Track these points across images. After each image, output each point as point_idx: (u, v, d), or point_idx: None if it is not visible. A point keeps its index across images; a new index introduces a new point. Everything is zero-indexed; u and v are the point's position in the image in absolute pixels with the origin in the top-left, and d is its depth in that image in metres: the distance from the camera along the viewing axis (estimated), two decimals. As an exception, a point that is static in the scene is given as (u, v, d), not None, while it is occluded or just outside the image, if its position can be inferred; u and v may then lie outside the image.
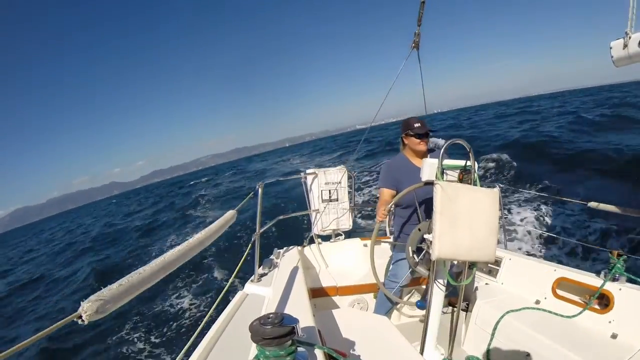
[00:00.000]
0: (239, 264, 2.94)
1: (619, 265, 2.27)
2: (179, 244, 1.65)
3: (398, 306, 3.49)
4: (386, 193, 2.97)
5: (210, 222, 2.16)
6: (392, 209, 2.97)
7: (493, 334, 2.47)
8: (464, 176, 2.37)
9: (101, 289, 1.11)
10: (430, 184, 2.26)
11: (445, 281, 2.46)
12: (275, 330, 1.18)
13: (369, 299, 3.57)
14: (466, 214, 2.09)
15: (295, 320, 1.25)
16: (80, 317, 0.99)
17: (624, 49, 2.00)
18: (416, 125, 2.89)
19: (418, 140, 2.90)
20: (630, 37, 1.98)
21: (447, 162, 2.38)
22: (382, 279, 3.18)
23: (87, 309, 0.99)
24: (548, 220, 7.11)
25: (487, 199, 2.15)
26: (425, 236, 2.42)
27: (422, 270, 2.55)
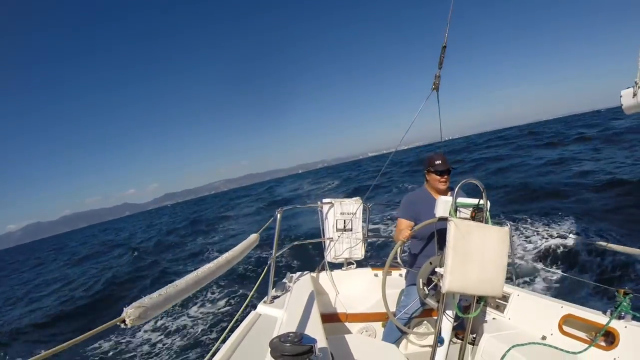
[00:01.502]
0: (256, 286, 3.06)
1: (625, 304, 2.31)
2: (208, 262, 1.80)
3: (407, 336, 3.52)
4: (404, 223, 3.06)
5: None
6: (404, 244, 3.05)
7: None
8: (477, 214, 2.50)
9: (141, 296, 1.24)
10: (444, 220, 2.39)
11: (454, 313, 2.54)
12: (294, 348, 1.28)
13: (377, 327, 3.61)
14: (477, 250, 2.20)
15: (314, 340, 1.35)
16: (124, 321, 1.10)
17: (633, 97, 2.12)
18: (437, 162, 2.99)
19: (439, 178, 2.99)
20: (639, 87, 2.09)
21: (461, 200, 2.51)
22: (391, 309, 3.25)
23: (131, 314, 1.10)
24: (556, 256, 7.11)
25: (497, 237, 2.27)
26: (437, 269, 2.53)
27: (431, 301, 2.64)
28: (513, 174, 18.58)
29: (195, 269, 1.67)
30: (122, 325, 1.10)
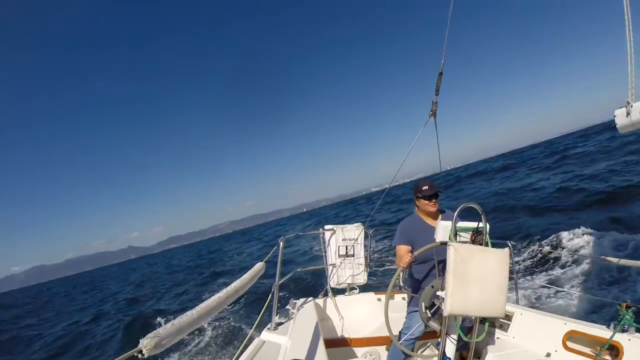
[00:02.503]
0: (261, 314, 3.08)
1: (627, 317, 2.32)
2: (217, 292, 1.86)
3: (411, 359, 3.47)
4: (402, 249, 3.10)
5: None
6: (399, 279, 3.05)
7: None
8: (476, 237, 2.54)
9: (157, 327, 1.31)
10: (444, 244, 2.43)
11: (457, 335, 2.53)
12: None
13: (381, 351, 3.58)
14: (477, 273, 2.24)
15: None
16: (141, 351, 1.16)
17: (627, 116, 2.21)
18: (424, 187, 3.09)
19: (427, 202, 3.08)
20: (632, 106, 2.18)
21: (461, 224, 2.56)
22: (395, 332, 3.22)
23: (147, 345, 1.17)
24: (558, 273, 7.05)
25: (497, 259, 2.31)
26: (438, 293, 2.55)
27: (434, 324, 2.64)
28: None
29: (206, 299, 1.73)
30: (140, 356, 1.15)
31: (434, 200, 3.08)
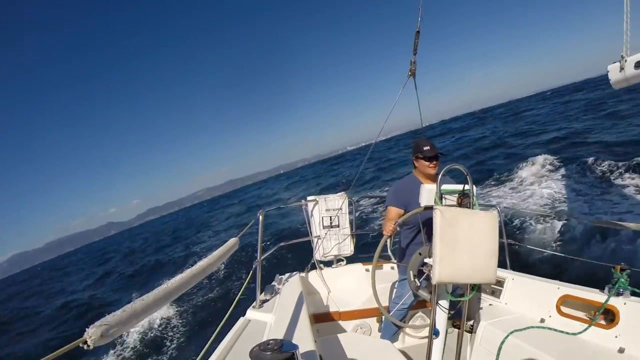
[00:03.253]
0: (241, 291, 2.95)
1: (622, 280, 2.26)
2: (181, 272, 1.68)
3: (403, 329, 3.46)
4: (393, 211, 2.99)
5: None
6: (398, 228, 2.97)
7: (498, 355, 2.43)
8: (463, 200, 2.41)
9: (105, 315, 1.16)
10: (430, 208, 2.30)
11: (448, 303, 2.46)
12: (274, 357, 1.22)
13: (372, 323, 3.54)
14: (466, 237, 2.12)
15: (295, 347, 1.28)
16: (86, 342, 1.02)
17: (620, 71, 2.10)
18: (425, 148, 2.94)
19: (427, 163, 2.94)
20: (626, 61, 2.08)
21: (446, 187, 2.43)
22: (384, 303, 3.16)
23: (92, 334, 1.03)
24: (551, 237, 7.14)
25: (486, 222, 2.19)
26: (426, 260, 2.44)
27: (424, 293, 2.55)
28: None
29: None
30: (85, 347, 1.03)
31: (434, 162, 2.94)
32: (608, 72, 2.20)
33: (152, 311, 1.35)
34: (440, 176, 2.41)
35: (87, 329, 1.05)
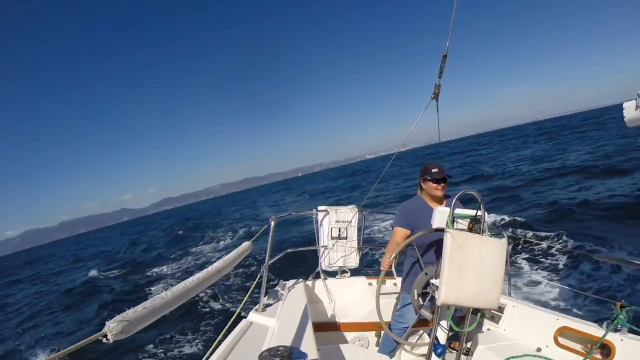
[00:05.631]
0: (247, 294, 3.02)
1: (621, 317, 2.27)
2: (198, 272, 1.76)
3: (402, 346, 3.49)
4: (400, 232, 3.02)
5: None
6: (396, 259, 3.02)
7: None
8: (474, 225, 2.46)
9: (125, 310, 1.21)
10: (441, 230, 2.36)
11: (449, 325, 2.50)
12: None
13: (370, 336, 3.57)
14: (474, 262, 2.17)
15: (304, 355, 1.33)
16: (106, 336, 1.07)
17: (636, 109, 2.11)
18: (434, 170, 2.97)
19: (435, 185, 2.97)
20: None
21: (459, 211, 2.49)
22: (386, 318, 3.21)
23: (113, 329, 1.07)
24: (554, 269, 7.06)
25: (494, 248, 2.24)
26: (432, 281, 2.49)
27: (426, 313, 2.60)
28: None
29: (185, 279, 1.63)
30: (104, 340, 1.07)
31: (442, 185, 2.98)
32: (623, 109, 2.21)
33: (170, 308, 1.41)
34: (454, 200, 2.46)
35: (107, 322, 1.08)
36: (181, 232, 32.05)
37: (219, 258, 2.17)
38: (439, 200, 3.04)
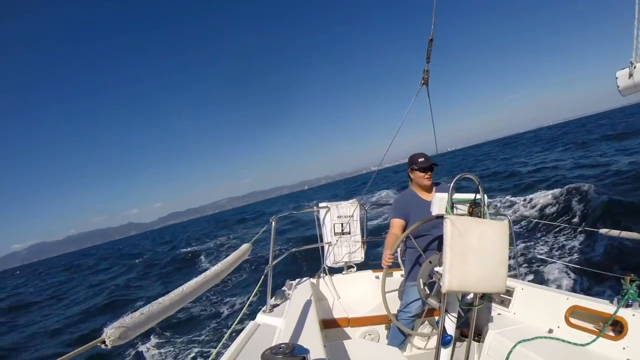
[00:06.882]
0: (251, 295, 3.01)
1: (632, 291, 2.24)
2: (196, 277, 1.74)
3: (412, 337, 3.46)
4: (396, 223, 3.06)
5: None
6: (396, 253, 2.99)
7: None
8: (474, 209, 2.44)
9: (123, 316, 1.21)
10: (440, 217, 2.34)
11: (457, 312, 2.47)
12: None
13: (381, 330, 3.55)
14: (476, 246, 2.15)
15: (306, 351, 1.32)
16: (104, 342, 1.06)
17: (629, 78, 2.09)
18: (420, 160, 3.03)
19: (422, 174, 3.03)
20: (635, 67, 2.07)
21: (457, 196, 2.46)
22: (393, 311, 3.18)
23: (111, 335, 1.07)
24: (561, 248, 7.01)
25: (496, 231, 2.21)
26: (436, 269, 2.47)
27: (433, 302, 2.57)
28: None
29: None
30: (102, 346, 1.07)
31: (429, 173, 3.03)
32: (616, 78, 2.18)
33: (168, 313, 1.40)
34: (451, 185, 2.44)
35: (105, 329, 1.09)
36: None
37: (218, 261, 2.16)
38: (428, 189, 3.10)
